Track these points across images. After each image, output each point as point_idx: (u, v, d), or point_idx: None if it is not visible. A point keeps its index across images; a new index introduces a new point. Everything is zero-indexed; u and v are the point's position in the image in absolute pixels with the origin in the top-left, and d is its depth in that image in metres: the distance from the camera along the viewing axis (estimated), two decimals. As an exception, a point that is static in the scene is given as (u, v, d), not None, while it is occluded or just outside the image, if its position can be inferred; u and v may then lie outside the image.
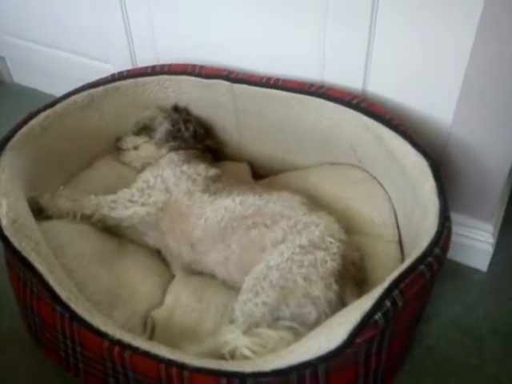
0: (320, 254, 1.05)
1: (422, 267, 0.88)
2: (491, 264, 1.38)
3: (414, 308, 0.91)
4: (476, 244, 1.35)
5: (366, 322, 0.81)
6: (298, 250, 1.06)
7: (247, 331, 1.01)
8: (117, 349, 0.94)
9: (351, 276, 1.07)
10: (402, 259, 1.17)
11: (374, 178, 1.31)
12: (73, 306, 0.98)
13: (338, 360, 0.85)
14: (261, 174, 1.52)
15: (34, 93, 2.08)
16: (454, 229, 1.31)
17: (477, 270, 1.38)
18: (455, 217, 1.32)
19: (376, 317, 0.81)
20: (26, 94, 2.09)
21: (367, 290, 1.06)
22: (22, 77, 2.14)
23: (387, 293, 0.83)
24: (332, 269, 1.04)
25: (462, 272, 1.38)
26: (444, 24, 1.10)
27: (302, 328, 1.00)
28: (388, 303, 0.82)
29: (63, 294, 0.99)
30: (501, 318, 1.27)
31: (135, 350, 0.93)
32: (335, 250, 1.07)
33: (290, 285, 1.03)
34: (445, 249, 0.93)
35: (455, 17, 1.08)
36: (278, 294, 1.02)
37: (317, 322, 1.00)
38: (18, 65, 2.10)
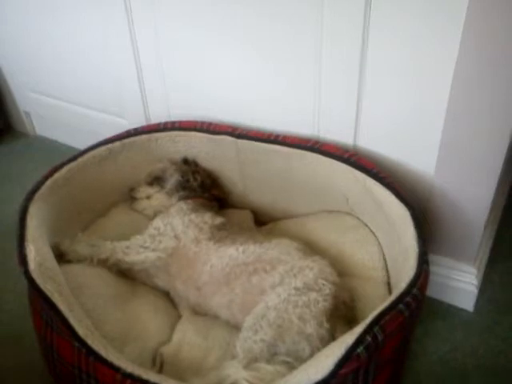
0: (313, 295, 1.15)
1: (400, 306, 0.98)
2: (477, 304, 1.47)
3: (394, 343, 1.00)
4: (461, 285, 1.45)
5: (349, 354, 0.91)
6: (293, 291, 1.17)
7: (247, 366, 1.09)
8: (129, 382, 1.04)
9: (342, 315, 1.17)
10: (391, 299, 1.27)
11: (365, 225, 1.42)
12: (89, 342, 1.07)
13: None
14: (262, 221, 1.63)
15: (55, 144, 2.24)
16: (441, 271, 1.44)
17: (463, 310, 1.47)
18: (441, 260, 1.44)
19: (358, 350, 0.92)
20: (47, 146, 2.25)
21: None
22: (44, 130, 2.30)
23: (368, 329, 0.94)
24: (324, 308, 1.14)
25: (450, 312, 1.47)
26: (423, 80, 1.22)
27: (296, 362, 1.09)
28: (369, 338, 0.93)
29: (81, 331, 1.08)
30: (486, 355, 1.35)
31: (145, 383, 1.04)
32: (327, 291, 1.17)
33: (285, 323, 1.12)
34: (422, 289, 1.04)
35: (432, 74, 1.20)
36: (275, 331, 1.11)
37: (311, 357, 1.08)
38: (41, 119, 2.27)
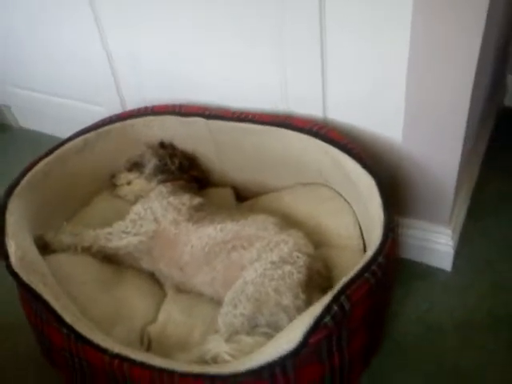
0: (287, 268, 1.19)
1: (366, 274, 1.02)
2: (455, 264, 1.51)
3: (363, 310, 1.05)
4: (437, 246, 1.49)
5: (317, 324, 0.96)
6: (269, 265, 1.21)
7: (228, 339, 1.15)
8: (116, 362, 1.09)
9: (317, 285, 1.21)
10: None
11: (340, 195, 1.45)
12: (77, 327, 1.12)
13: (301, 358, 1.00)
14: (243, 197, 1.67)
15: (38, 135, 2.26)
16: (417, 234, 1.48)
17: (441, 270, 1.51)
18: (417, 223, 1.49)
19: (326, 319, 0.96)
20: (31, 137, 2.28)
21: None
22: (26, 121, 2.32)
23: (335, 298, 0.98)
24: (298, 280, 1.18)
25: (428, 273, 1.51)
26: (383, 46, 1.22)
27: (276, 333, 1.14)
28: (336, 307, 0.97)
29: (68, 318, 1.13)
30: (462, 313, 1.40)
31: (132, 362, 1.08)
32: (301, 263, 1.21)
33: (262, 297, 1.17)
34: (389, 257, 1.08)
35: (392, 40, 1.20)
36: (253, 305, 1.16)
37: None
38: (22, 111, 2.30)
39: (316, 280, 1.22)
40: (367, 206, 1.21)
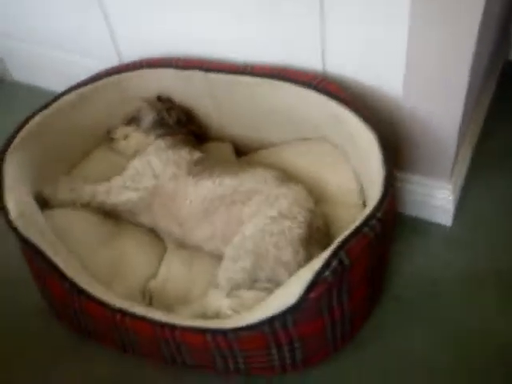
0: (287, 223, 1.19)
1: (365, 229, 1.02)
2: (456, 218, 1.50)
3: (363, 264, 1.05)
4: (438, 202, 1.48)
5: (316, 279, 0.96)
6: (268, 220, 1.21)
7: (229, 293, 1.16)
8: (118, 316, 1.11)
9: (317, 241, 1.21)
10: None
11: (337, 150, 1.43)
12: (78, 281, 1.14)
13: (301, 312, 1.01)
14: (243, 152, 1.65)
15: (33, 89, 2.20)
16: (418, 189, 1.47)
17: (442, 226, 1.51)
18: (417, 178, 1.47)
19: (325, 274, 0.97)
20: (23, 90, 2.23)
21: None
22: (20, 74, 2.26)
23: (334, 253, 0.98)
24: (298, 236, 1.18)
25: (428, 228, 1.50)
26: None
27: (277, 288, 1.15)
28: (335, 262, 0.98)
29: (69, 272, 1.15)
30: (462, 266, 1.40)
31: (133, 316, 1.10)
32: (301, 218, 1.21)
33: (262, 251, 1.17)
34: (388, 213, 1.08)
35: None
36: (254, 260, 1.17)
37: None
38: (15, 64, 2.23)
39: (316, 236, 1.22)
40: (367, 162, 1.20)
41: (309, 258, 1.16)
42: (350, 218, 1.30)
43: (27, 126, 1.40)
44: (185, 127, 1.56)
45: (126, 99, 1.58)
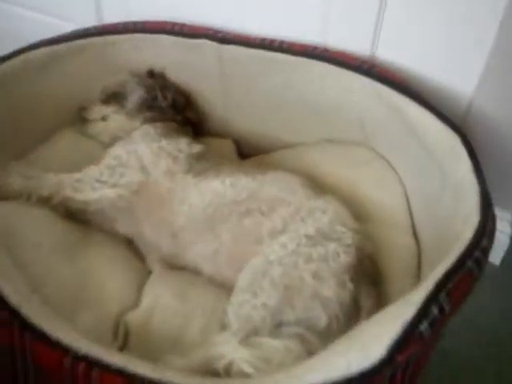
0: (331, 246, 0.89)
1: (469, 263, 0.71)
2: (505, 257, 1.26)
3: (455, 311, 0.74)
4: (492, 234, 1.21)
5: (409, 333, 0.63)
6: (304, 240, 0.91)
7: (245, 340, 0.83)
8: (82, 366, 0.75)
9: (367, 273, 0.91)
10: (419, 253, 1.01)
11: (383, 158, 1.14)
12: (24, 310, 0.79)
13: (372, 381, 0.68)
14: (246, 154, 1.34)
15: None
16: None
17: (489, 264, 1.23)
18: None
19: (421, 327, 0.64)
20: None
21: (384, 291, 0.91)
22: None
23: (433, 296, 0.66)
24: (346, 264, 0.88)
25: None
26: None
27: (310, 335, 0.84)
28: (435, 310, 0.65)
29: (13, 297, 0.79)
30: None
31: (106, 368, 0.75)
32: (349, 241, 0.91)
33: (295, 283, 0.87)
34: (491, 241, 0.77)
35: None
36: (282, 294, 0.86)
37: (327, 329, 0.85)
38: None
39: (366, 266, 0.92)
40: (444, 170, 0.91)
41: (354, 295, 0.87)
42: (398, 243, 1.04)
43: (-29, 83, 1.03)
44: (181, 113, 1.25)
45: (109, 69, 1.26)
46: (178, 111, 1.24)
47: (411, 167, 1.07)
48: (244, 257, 0.95)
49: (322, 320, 0.85)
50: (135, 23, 1.24)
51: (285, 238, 0.92)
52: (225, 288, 0.97)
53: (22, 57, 1.14)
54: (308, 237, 0.91)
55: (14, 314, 0.78)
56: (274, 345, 0.82)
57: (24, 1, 1.60)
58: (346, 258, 0.88)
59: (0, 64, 1.09)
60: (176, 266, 1.05)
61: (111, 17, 1.43)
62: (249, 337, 0.84)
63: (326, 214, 0.95)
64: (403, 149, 1.06)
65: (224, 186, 1.03)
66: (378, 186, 1.10)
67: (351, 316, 0.86)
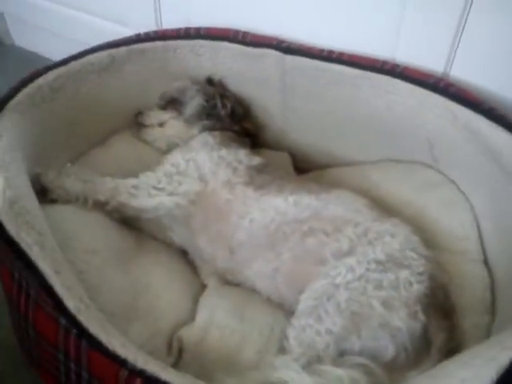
0: (403, 274, 0.84)
1: None
2: None
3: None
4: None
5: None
6: (373, 265, 0.85)
7: (306, 367, 0.78)
8: (138, 382, 0.72)
9: (439, 304, 0.85)
10: (492, 283, 0.95)
11: (452, 182, 1.08)
12: (82, 319, 0.76)
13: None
14: (300, 168, 1.30)
15: (34, 57, 1.84)
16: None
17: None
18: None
19: (517, 376, 0.58)
20: (24, 57, 1.85)
21: (458, 324, 0.85)
22: (22, 38, 1.90)
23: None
24: (418, 293, 0.83)
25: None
26: None
27: (375, 366, 0.78)
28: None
29: (71, 303, 0.77)
30: None
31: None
32: (421, 268, 0.85)
33: (363, 310, 0.82)
34: None
35: None
36: (348, 320, 0.82)
37: (393, 361, 0.80)
38: (18, 23, 1.87)
39: (438, 297, 0.86)
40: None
41: (425, 328, 0.82)
42: (470, 273, 0.98)
43: (35, 82, 1.02)
44: (238, 123, 1.22)
45: (168, 75, 1.24)
46: (236, 121, 1.21)
47: (485, 192, 1.01)
48: (305, 277, 0.91)
49: (389, 351, 0.81)
50: (197, 29, 1.22)
51: (352, 260, 0.87)
52: (282, 308, 0.94)
53: (83, 60, 1.12)
54: (378, 262, 0.85)
55: (71, 321, 0.75)
56: (338, 374, 0.77)
57: (85, 6, 1.61)
58: (418, 287, 0.83)
59: (60, 67, 1.08)
60: (231, 282, 1.01)
61: (170, 22, 1.41)
62: (311, 363, 0.80)
63: (395, 238, 0.89)
64: (477, 172, 1.00)
65: (287, 204, 0.99)
66: (447, 211, 1.04)
67: (421, 350, 0.81)
